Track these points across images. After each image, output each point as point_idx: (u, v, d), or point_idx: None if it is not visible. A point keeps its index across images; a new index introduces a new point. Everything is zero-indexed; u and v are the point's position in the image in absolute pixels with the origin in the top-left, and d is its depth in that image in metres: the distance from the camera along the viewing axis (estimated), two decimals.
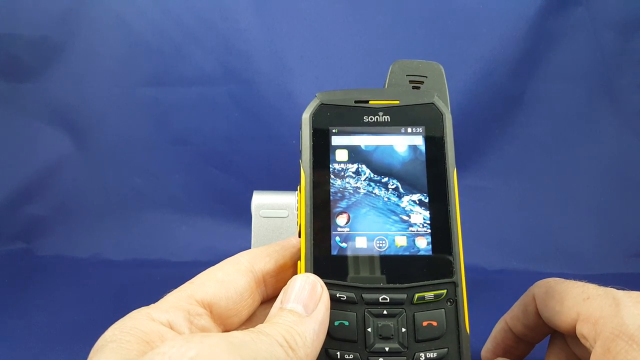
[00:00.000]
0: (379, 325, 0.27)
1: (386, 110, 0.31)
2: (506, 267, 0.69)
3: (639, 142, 0.70)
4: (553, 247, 0.70)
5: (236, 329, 0.29)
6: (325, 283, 0.27)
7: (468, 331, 0.28)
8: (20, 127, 0.73)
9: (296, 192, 0.31)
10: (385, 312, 0.28)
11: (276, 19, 0.69)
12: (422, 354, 0.27)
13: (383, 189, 0.30)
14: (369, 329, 0.27)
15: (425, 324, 0.27)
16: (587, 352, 0.29)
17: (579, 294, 0.30)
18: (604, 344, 0.27)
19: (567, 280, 0.32)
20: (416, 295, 0.28)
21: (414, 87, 0.34)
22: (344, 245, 0.29)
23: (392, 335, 0.27)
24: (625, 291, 0.29)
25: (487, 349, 0.38)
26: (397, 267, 0.28)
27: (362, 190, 0.30)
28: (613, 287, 0.30)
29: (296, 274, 0.28)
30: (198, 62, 0.70)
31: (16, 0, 0.69)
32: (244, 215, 0.53)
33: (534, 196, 0.72)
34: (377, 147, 0.31)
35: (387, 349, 0.27)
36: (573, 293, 0.30)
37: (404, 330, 0.27)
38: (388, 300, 0.28)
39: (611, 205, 0.70)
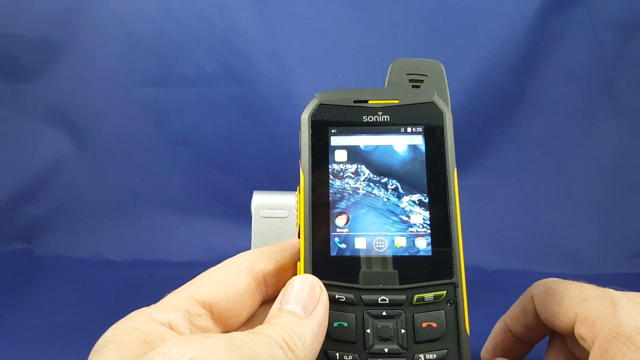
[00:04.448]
0: (378, 327, 0.27)
1: (385, 109, 0.31)
2: (506, 267, 0.68)
3: (639, 142, 0.70)
4: (553, 247, 0.70)
5: (237, 329, 0.29)
6: (325, 284, 0.27)
7: (468, 332, 0.27)
8: (20, 127, 0.72)
9: (296, 192, 0.31)
10: (384, 313, 0.28)
11: (276, 19, 0.69)
12: (421, 355, 0.27)
13: (382, 190, 0.30)
14: (368, 330, 0.27)
15: (424, 325, 0.27)
16: (586, 353, 0.29)
17: (577, 295, 0.30)
18: (601, 346, 0.27)
19: (566, 281, 0.32)
20: (416, 296, 0.28)
21: (413, 86, 0.33)
22: (343, 246, 0.29)
23: (392, 336, 0.27)
24: (622, 292, 0.29)
25: (486, 349, 0.38)
26: (396, 268, 0.28)
27: (361, 191, 0.30)
28: (611, 288, 0.30)
29: (296, 274, 0.28)
30: (198, 62, 0.70)
31: (16, 0, 0.69)
32: (244, 215, 0.53)
33: (533, 196, 0.72)
34: (377, 147, 0.31)
35: (386, 350, 0.27)
36: (571, 294, 0.30)
37: (403, 331, 0.27)
38: (387, 301, 0.28)
39: (611, 205, 0.70)
